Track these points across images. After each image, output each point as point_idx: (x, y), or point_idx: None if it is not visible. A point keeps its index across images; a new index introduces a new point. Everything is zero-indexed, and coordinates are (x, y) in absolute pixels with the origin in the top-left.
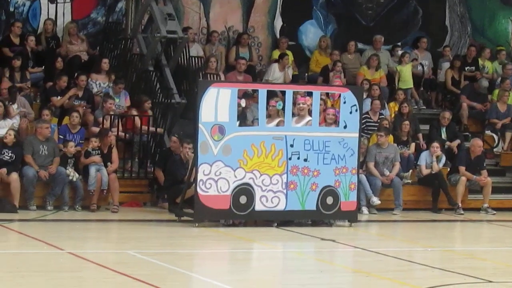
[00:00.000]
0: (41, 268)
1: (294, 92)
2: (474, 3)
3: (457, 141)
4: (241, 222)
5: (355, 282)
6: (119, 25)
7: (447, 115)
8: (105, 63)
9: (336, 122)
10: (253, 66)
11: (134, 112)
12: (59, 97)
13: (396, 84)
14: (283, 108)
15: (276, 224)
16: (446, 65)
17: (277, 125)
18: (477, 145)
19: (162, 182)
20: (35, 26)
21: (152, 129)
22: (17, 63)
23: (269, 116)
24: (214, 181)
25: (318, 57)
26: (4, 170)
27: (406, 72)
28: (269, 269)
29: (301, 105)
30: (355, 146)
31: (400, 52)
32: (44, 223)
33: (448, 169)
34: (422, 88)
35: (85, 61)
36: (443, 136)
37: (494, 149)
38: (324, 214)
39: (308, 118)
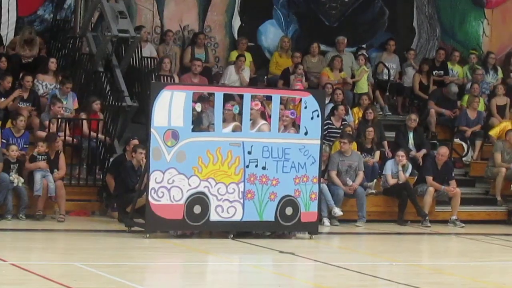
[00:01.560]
0: None
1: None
2: (444, 3)
3: (423, 151)
4: (193, 232)
5: None
6: (68, 22)
7: (414, 116)
8: (53, 63)
9: (294, 125)
10: (210, 68)
11: (83, 115)
12: (2, 99)
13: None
14: (240, 113)
15: (232, 236)
16: (410, 69)
17: (233, 130)
18: (443, 153)
19: (112, 190)
20: None
21: (101, 136)
22: None
23: (224, 121)
24: (166, 190)
25: (279, 59)
26: None
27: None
28: (224, 283)
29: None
30: (316, 154)
31: (359, 57)
32: None
33: (415, 179)
34: (388, 93)
35: (29, 61)
36: (411, 141)
37: (464, 158)
38: (283, 225)
39: (261, 122)
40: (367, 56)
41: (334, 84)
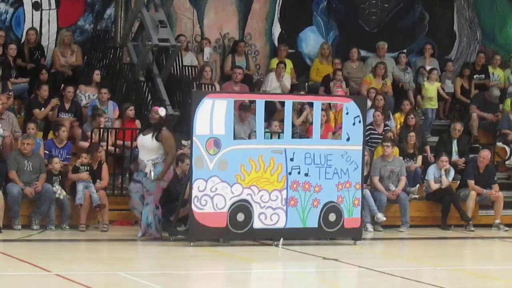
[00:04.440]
0: None
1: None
2: (484, 7)
3: (463, 159)
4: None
5: None
6: (108, 33)
7: (458, 126)
8: (97, 75)
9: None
10: (250, 76)
11: (117, 123)
12: (42, 109)
13: (420, 101)
14: (282, 120)
15: (275, 243)
16: (449, 83)
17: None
18: (484, 156)
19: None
20: (19, 34)
21: None
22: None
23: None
24: (209, 198)
25: (319, 66)
26: None
27: (432, 91)
28: None
29: None
30: (358, 160)
31: (428, 68)
32: (30, 243)
33: (458, 183)
34: None
35: (68, 76)
36: (454, 149)
37: (506, 162)
38: (327, 231)
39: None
40: (437, 70)
41: (379, 90)
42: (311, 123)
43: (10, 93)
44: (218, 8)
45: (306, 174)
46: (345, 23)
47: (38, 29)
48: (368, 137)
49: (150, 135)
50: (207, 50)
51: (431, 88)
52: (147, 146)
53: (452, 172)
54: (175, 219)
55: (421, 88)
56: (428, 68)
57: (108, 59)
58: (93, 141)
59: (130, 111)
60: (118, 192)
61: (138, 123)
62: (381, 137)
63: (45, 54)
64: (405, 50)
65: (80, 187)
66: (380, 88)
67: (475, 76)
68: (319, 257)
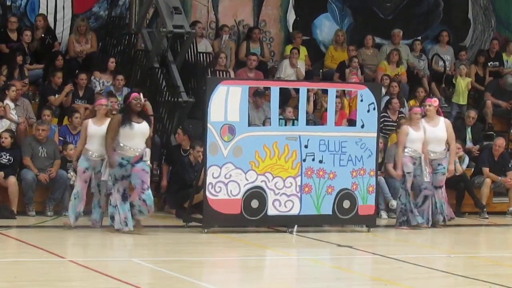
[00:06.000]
0: (41, 277)
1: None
2: None
3: (477, 147)
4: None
5: None
6: (123, 19)
7: (473, 114)
8: (112, 63)
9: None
10: (265, 63)
11: None
12: (56, 96)
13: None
14: (297, 106)
15: (290, 230)
16: (463, 68)
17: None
18: (499, 144)
19: (164, 179)
20: (33, 20)
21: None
22: (19, 59)
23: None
24: (224, 185)
25: (334, 53)
26: (1, 173)
27: (463, 87)
28: (283, 277)
29: (427, 106)
30: (373, 147)
31: (461, 66)
32: (44, 229)
33: (472, 171)
34: (443, 85)
35: (83, 59)
36: (468, 137)
37: None
38: (341, 218)
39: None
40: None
41: (393, 77)
42: (326, 110)
43: (26, 82)
44: None
45: (321, 161)
46: (359, 10)
47: (53, 15)
48: (382, 124)
49: (143, 122)
50: (225, 37)
51: (463, 83)
52: (145, 133)
53: (466, 160)
54: (189, 206)
55: (455, 82)
56: (445, 56)
57: (123, 46)
58: None
59: None
60: None
61: (149, 105)
62: (395, 124)
63: (60, 40)
64: (419, 37)
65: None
66: (394, 76)
67: (489, 64)
68: (333, 244)
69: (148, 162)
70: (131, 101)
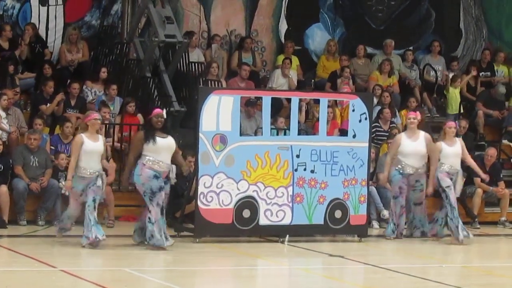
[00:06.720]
0: (32, 287)
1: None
2: (490, 4)
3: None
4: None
5: None
6: (115, 28)
7: (464, 123)
8: (104, 73)
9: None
10: (257, 72)
11: (118, 118)
12: (48, 105)
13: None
14: (289, 116)
15: (281, 240)
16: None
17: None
18: (491, 154)
19: None
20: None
21: None
22: (11, 68)
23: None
24: (215, 194)
25: (326, 62)
26: None
27: (456, 96)
28: (275, 287)
29: (411, 119)
30: (365, 157)
31: (451, 75)
32: (35, 238)
33: (463, 180)
34: (435, 95)
35: (75, 68)
36: None
37: None
38: (332, 228)
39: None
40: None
41: (385, 87)
42: (317, 120)
43: (17, 90)
44: (225, 5)
45: (312, 171)
46: (351, 20)
47: (45, 25)
48: (374, 134)
49: (169, 137)
50: (215, 46)
51: (455, 92)
52: (172, 148)
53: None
54: (181, 216)
55: (446, 93)
56: (437, 67)
57: (115, 55)
58: None
59: (130, 107)
60: (124, 188)
61: (140, 117)
62: (387, 134)
63: (52, 49)
64: (411, 47)
65: None
66: (386, 86)
67: (481, 74)
68: (325, 254)
69: (174, 179)
70: (152, 118)
